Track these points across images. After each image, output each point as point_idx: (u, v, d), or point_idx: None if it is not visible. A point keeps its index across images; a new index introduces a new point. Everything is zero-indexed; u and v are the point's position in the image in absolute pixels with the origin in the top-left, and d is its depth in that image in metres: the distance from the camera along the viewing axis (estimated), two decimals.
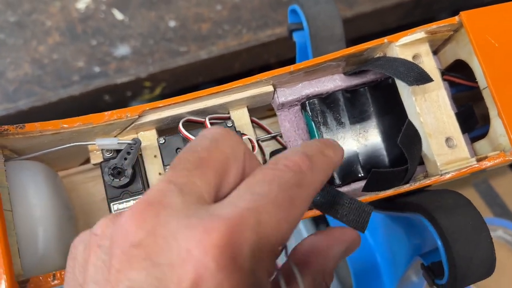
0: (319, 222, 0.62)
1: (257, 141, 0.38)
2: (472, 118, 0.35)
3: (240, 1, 0.74)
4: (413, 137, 0.29)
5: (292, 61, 0.53)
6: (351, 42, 0.88)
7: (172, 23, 0.72)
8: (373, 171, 0.28)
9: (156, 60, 0.69)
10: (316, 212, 0.30)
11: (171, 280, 0.16)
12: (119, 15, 0.72)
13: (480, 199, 0.66)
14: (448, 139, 0.31)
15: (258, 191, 0.18)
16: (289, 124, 0.36)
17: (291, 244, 0.62)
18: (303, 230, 0.61)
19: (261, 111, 0.38)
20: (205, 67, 0.71)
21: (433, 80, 0.29)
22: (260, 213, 0.18)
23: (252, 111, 0.37)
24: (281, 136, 0.37)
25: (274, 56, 0.75)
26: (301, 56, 0.48)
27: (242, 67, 0.75)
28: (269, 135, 0.38)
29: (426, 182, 0.30)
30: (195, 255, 0.16)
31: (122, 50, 0.70)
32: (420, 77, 0.29)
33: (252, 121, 0.38)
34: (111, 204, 0.31)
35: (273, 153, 0.36)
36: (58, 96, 0.66)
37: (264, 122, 0.39)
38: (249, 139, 0.33)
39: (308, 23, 0.43)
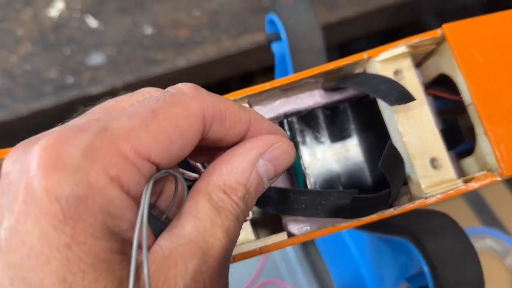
0: (307, 245, 0.60)
1: None
2: (458, 134, 0.34)
3: (219, 7, 0.71)
4: (395, 160, 0.28)
5: (272, 68, 0.51)
6: (335, 46, 0.86)
7: (148, 30, 0.70)
8: (354, 197, 0.26)
9: (132, 69, 0.67)
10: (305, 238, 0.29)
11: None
12: (93, 23, 0.70)
13: (468, 208, 0.65)
14: (433, 160, 0.29)
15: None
16: None
17: (274, 254, 0.59)
18: (292, 254, 0.59)
19: None
20: (183, 75, 0.69)
21: (415, 99, 0.27)
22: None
23: None
24: None
25: (256, 63, 0.73)
26: (281, 66, 0.46)
27: (222, 75, 0.73)
28: None
29: (410, 206, 0.28)
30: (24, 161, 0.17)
31: (97, 59, 0.67)
32: (402, 96, 0.27)
33: None
34: None
35: None
36: (30, 109, 0.63)
37: None
38: None
39: (287, 34, 0.41)
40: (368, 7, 0.70)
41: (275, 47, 0.45)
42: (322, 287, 0.56)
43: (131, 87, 0.67)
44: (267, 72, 0.84)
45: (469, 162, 0.31)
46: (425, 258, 0.30)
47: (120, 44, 0.68)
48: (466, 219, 0.63)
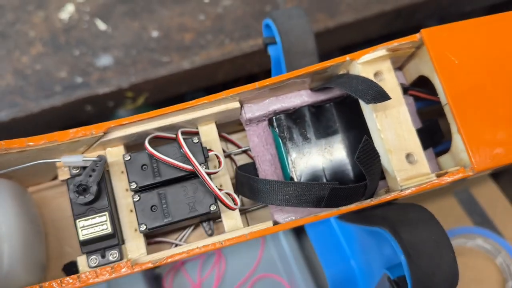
0: (298, 228, 0.62)
1: (229, 155, 0.39)
2: (438, 133, 0.36)
3: (223, 11, 0.74)
4: (371, 154, 0.30)
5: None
6: (333, 51, 0.88)
7: (155, 33, 0.72)
8: (331, 187, 0.29)
9: (138, 71, 0.70)
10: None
11: None
12: (102, 25, 0.73)
13: (461, 208, 0.66)
14: (408, 155, 0.31)
15: None
16: (257, 139, 0.37)
17: (270, 250, 0.62)
18: (283, 240, 0.61)
19: (232, 125, 0.38)
20: (188, 77, 0.72)
21: (390, 98, 0.30)
22: None
23: (222, 126, 0.37)
24: (250, 151, 0.37)
25: (257, 66, 0.75)
26: (276, 69, 0.48)
27: (225, 77, 0.75)
28: (239, 150, 0.39)
29: (386, 197, 0.30)
30: None
31: (105, 60, 0.70)
32: (378, 95, 0.29)
33: (222, 136, 0.39)
34: (77, 220, 0.31)
35: (240, 168, 0.37)
36: (40, 107, 0.66)
37: (235, 136, 0.40)
38: (215, 155, 0.34)
39: (281, 37, 0.43)
40: (366, 13, 0.72)
41: (271, 50, 0.47)
42: (316, 281, 0.58)
43: (136, 88, 0.70)
44: (269, 74, 0.86)
45: (445, 159, 0.33)
46: (402, 248, 0.32)
47: (128, 46, 0.71)
48: (458, 218, 0.64)
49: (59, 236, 0.37)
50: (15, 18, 0.73)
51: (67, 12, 0.74)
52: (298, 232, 0.63)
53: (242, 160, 0.40)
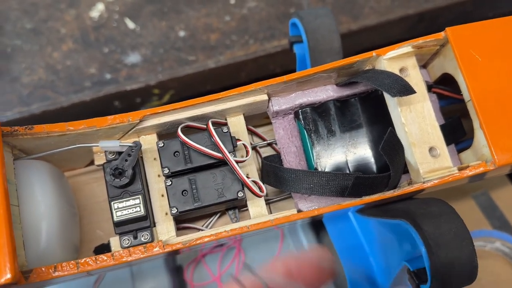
0: (317, 225, 0.63)
1: (255, 147, 0.40)
2: (460, 130, 0.37)
3: (248, 13, 0.76)
4: (395, 145, 0.31)
5: (295, 71, 0.55)
6: (355, 53, 0.89)
7: (182, 33, 0.74)
8: (356, 176, 0.30)
9: (165, 68, 0.72)
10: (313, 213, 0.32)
11: None
12: (131, 24, 0.75)
13: (479, 211, 0.66)
14: (431, 149, 0.32)
15: None
16: (283, 132, 0.38)
17: (289, 246, 0.63)
18: (301, 233, 0.62)
19: (258, 119, 0.40)
20: (212, 75, 0.74)
21: (415, 92, 0.31)
22: None
23: (249, 119, 0.38)
24: (276, 143, 0.39)
25: (279, 66, 0.76)
26: (301, 67, 0.50)
27: (248, 76, 0.77)
28: (265, 142, 0.40)
29: (409, 189, 0.31)
30: None
31: (133, 58, 0.72)
32: (403, 89, 0.30)
33: (249, 129, 0.40)
34: (112, 202, 0.33)
35: (266, 158, 0.38)
36: (70, 101, 0.69)
37: (260, 130, 0.41)
38: (243, 144, 0.35)
39: (308, 36, 0.44)
40: (390, 16, 0.73)
41: (297, 49, 0.49)
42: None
43: (163, 85, 0.72)
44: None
45: (467, 155, 0.34)
46: (422, 239, 0.33)
47: (155, 45, 0.73)
48: (476, 222, 0.64)
49: (91, 220, 0.39)
50: (47, 15, 0.76)
51: (97, 10, 0.76)
52: (317, 229, 0.64)
53: (266, 152, 0.41)
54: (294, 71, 0.56)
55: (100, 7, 0.76)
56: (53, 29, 0.74)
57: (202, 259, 0.63)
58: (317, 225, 0.64)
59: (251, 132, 0.41)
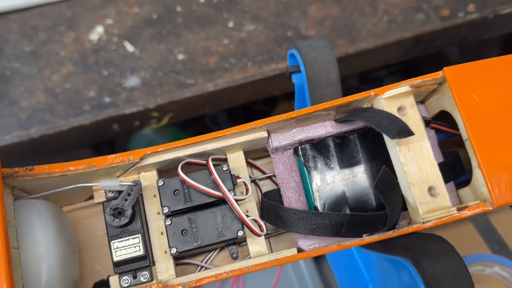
0: (320, 263, 0.63)
1: (254, 180, 0.40)
2: (459, 166, 0.37)
3: (247, 36, 0.76)
4: (390, 184, 0.31)
5: (294, 94, 0.55)
6: (352, 76, 0.90)
7: (180, 56, 0.75)
8: (350, 214, 0.30)
9: (164, 92, 0.72)
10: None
11: None
12: (130, 47, 0.75)
13: (479, 235, 0.67)
14: (430, 188, 0.32)
15: None
16: (282, 167, 0.38)
17: (289, 271, 0.63)
18: (302, 262, 0.62)
19: (258, 151, 0.40)
20: (211, 98, 0.74)
21: (413, 134, 0.31)
22: None
23: (249, 152, 0.39)
24: (275, 177, 0.39)
25: (278, 89, 0.77)
26: (299, 96, 0.50)
27: (247, 99, 0.77)
28: (265, 175, 0.40)
29: (409, 229, 0.31)
30: None
31: (132, 81, 0.73)
32: (402, 131, 0.31)
33: (248, 162, 0.41)
34: (111, 242, 0.33)
35: (265, 195, 0.38)
36: (69, 124, 0.69)
37: (260, 162, 0.42)
38: (243, 182, 0.35)
39: (306, 68, 0.45)
40: (386, 40, 0.74)
41: (295, 79, 0.49)
42: None
43: (162, 108, 0.72)
44: (289, 96, 0.89)
45: (466, 192, 0.35)
46: (422, 278, 0.33)
47: (154, 68, 0.73)
48: (476, 246, 0.64)
49: (90, 255, 0.39)
50: (47, 38, 0.76)
51: (97, 33, 0.77)
52: (317, 256, 0.64)
53: (266, 185, 0.41)
54: (292, 94, 0.57)
55: (100, 30, 0.77)
56: (52, 51, 0.75)
57: (200, 286, 0.63)
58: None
59: (250, 165, 0.41)
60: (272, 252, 0.38)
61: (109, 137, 0.74)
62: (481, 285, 0.62)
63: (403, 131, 0.31)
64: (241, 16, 0.78)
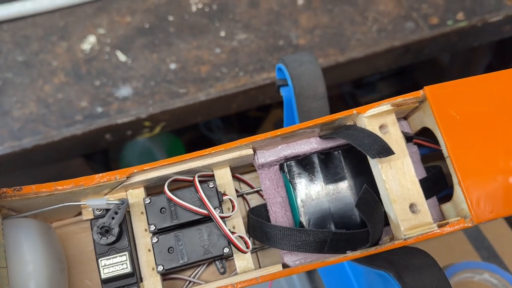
0: (312, 274, 0.64)
1: (242, 194, 0.41)
2: (442, 181, 0.38)
3: (238, 45, 0.77)
4: (371, 202, 0.32)
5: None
6: (343, 84, 0.90)
7: (173, 65, 0.75)
8: (333, 232, 0.31)
9: (156, 101, 0.72)
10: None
11: None
12: (122, 57, 0.76)
13: (468, 242, 0.67)
14: (412, 205, 0.33)
15: None
16: (269, 182, 0.39)
17: (280, 281, 0.63)
18: (295, 277, 0.62)
19: (245, 166, 0.41)
20: (203, 108, 0.74)
21: (394, 153, 0.32)
22: None
23: (236, 167, 0.39)
24: (262, 191, 0.39)
25: (269, 98, 0.77)
26: (288, 109, 0.51)
27: (238, 108, 0.78)
28: (252, 190, 0.41)
29: (391, 245, 0.32)
30: None
31: (124, 91, 0.73)
32: (382, 150, 0.31)
33: (236, 177, 0.41)
34: (99, 259, 0.33)
35: (252, 210, 0.39)
36: (62, 135, 0.69)
37: (247, 176, 0.42)
38: (229, 199, 0.36)
39: (293, 82, 0.45)
40: (376, 48, 0.74)
41: (283, 91, 0.50)
42: None
43: (154, 117, 0.72)
44: (280, 105, 0.89)
45: (448, 207, 0.35)
46: None
47: (146, 77, 0.74)
48: (465, 253, 0.65)
49: (80, 270, 0.39)
50: (39, 48, 0.76)
51: (89, 43, 0.77)
52: (310, 273, 0.65)
53: (254, 199, 0.42)
54: (282, 102, 0.57)
55: (92, 39, 0.77)
56: (45, 61, 0.75)
57: None
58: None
59: (238, 179, 0.42)
60: (260, 266, 0.39)
61: (101, 147, 0.75)
62: None
63: (384, 151, 0.31)
64: (233, 25, 0.78)
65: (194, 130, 1.03)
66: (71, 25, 0.78)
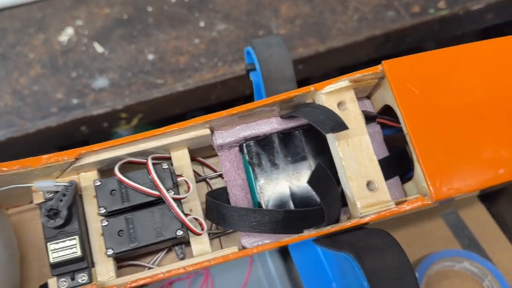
0: (284, 250, 0.63)
1: (205, 179, 0.40)
2: (405, 160, 0.37)
3: (218, 35, 0.76)
4: (324, 179, 0.31)
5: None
6: (324, 75, 0.89)
7: (151, 56, 0.74)
8: (284, 210, 0.30)
9: (133, 92, 0.71)
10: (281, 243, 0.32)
11: None
12: (99, 48, 0.75)
13: (449, 230, 0.66)
14: (369, 183, 0.32)
15: None
16: (229, 164, 0.38)
17: (258, 271, 0.62)
18: (270, 262, 0.61)
19: (207, 149, 0.39)
20: (180, 98, 0.73)
21: (348, 128, 0.30)
22: None
23: (198, 151, 0.38)
24: None
25: (249, 88, 0.76)
26: (257, 94, 0.50)
27: (218, 98, 0.77)
28: (215, 174, 0.40)
29: (346, 224, 0.31)
30: None
31: (101, 82, 0.72)
32: (336, 125, 0.30)
33: (198, 161, 0.40)
34: (48, 243, 0.32)
35: (211, 193, 0.37)
36: (36, 127, 0.68)
37: (211, 161, 0.41)
38: (184, 180, 0.35)
39: (260, 65, 0.44)
40: (356, 38, 0.73)
41: (253, 76, 0.49)
42: None
43: (130, 109, 0.71)
44: None
45: (410, 186, 0.34)
46: (365, 273, 0.32)
47: (123, 69, 0.73)
48: (446, 241, 0.64)
49: (37, 257, 0.38)
50: (15, 40, 0.75)
51: (66, 34, 0.76)
52: (285, 253, 0.64)
53: (218, 183, 0.41)
54: None
55: (69, 31, 0.76)
56: (21, 54, 0.74)
57: (169, 286, 0.62)
58: (284, 250, 0.63)
59: (202, 164, 0.41)
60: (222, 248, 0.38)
61: (78, 139, 0.73)
62: (450, 280, 0.62)
63: (338, 126, 0.30)
64: (212, 16, 0.77)
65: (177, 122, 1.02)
66: (48, 17, 0.77)
